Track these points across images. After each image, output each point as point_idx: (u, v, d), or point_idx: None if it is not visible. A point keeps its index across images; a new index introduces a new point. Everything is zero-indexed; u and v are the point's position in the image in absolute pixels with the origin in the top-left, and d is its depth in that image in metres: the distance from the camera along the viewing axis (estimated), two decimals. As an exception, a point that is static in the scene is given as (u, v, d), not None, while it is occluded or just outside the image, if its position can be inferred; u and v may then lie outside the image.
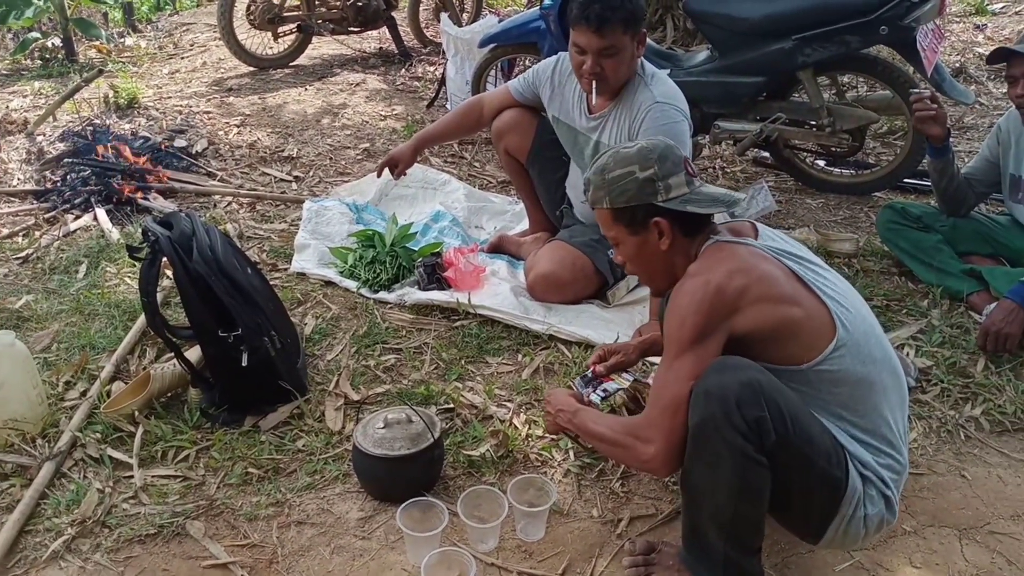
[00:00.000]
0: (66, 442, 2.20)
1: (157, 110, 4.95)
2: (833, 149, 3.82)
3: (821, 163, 4.05)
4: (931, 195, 3.70)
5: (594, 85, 2.61)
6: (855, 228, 3.60)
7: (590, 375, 2.12)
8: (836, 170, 4.01)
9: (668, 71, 3.27)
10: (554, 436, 2.22)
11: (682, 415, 1.63)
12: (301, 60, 6.06)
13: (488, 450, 2.20)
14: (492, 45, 4.25)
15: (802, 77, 3.57)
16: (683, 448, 1.65)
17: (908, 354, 2.61)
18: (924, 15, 3.32)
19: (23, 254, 3.32)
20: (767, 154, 4.11)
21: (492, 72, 4.44)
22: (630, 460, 1.79)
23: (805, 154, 4.02)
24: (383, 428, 2.05)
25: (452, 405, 2.39)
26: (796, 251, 1.77)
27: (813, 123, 3.67)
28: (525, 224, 3.42)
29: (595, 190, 1.78)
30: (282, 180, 4.12)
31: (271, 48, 5.97)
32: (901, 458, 1.73)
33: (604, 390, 2.06)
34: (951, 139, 2.88)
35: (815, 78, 3.58)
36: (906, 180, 3.85)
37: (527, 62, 4.85)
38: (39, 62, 6.05)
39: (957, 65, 5.59)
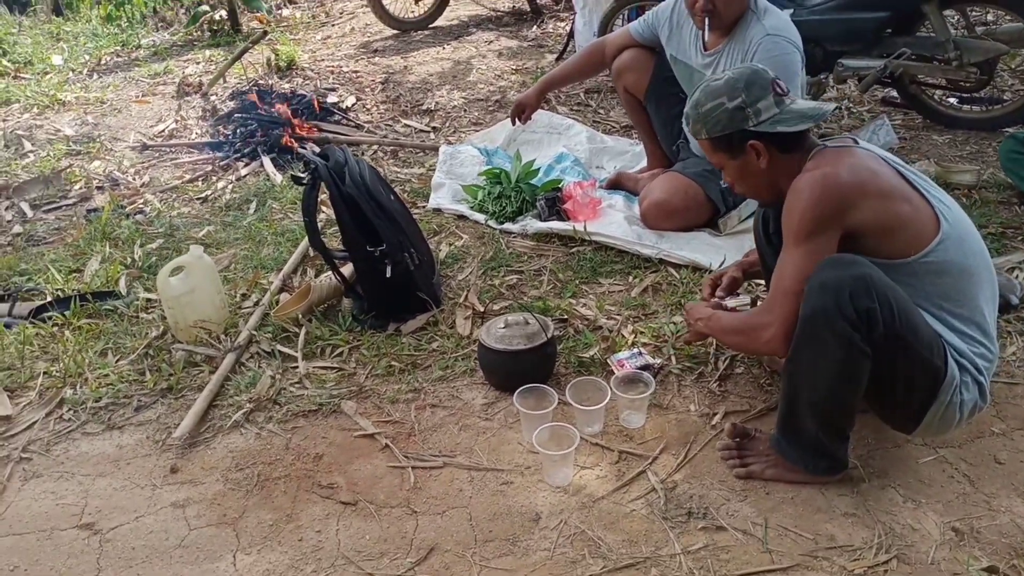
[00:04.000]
0: (244, 338, 2.63)
1: (312, 71, 5.44)
2: (961, 83, 3.75)
3: (952, 100, 3.97)
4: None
5: (707, 21, 2.76)
6: (980, 162, 3.55)
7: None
8: (965, 106, 3.93)
9: (791, 11, 3.33)
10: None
11: (796, 302, 1.77)
12: (439, 22, 6.40)
13: (597, 353, 2.46)
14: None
15: (927, 11, 3.53)
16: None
17: (1017, 276, 2.64)
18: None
19: (203, 195, 3.84)
20: (895, 92, 4.07)
21: (618, 21, 4.58)
22: (754, 343, 1.93)
23: (934, 91, 3.96)
24: (503, 328, 2.35)
25: (566, 317, 2.65)
26: (898, 159, 1.90)
27: (939, 57, 3.62)
28: (645, 163, 3.58)
29: (694, 123, 1.96)
30: (421, 131, 4.48)
31: (412, 12, 6.34)
32: (993, 347, 1.85)
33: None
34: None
35: (940, 11, 3.53)
36: (1041, 115, 3.74)
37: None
38: (208, 33, 6.67)
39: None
